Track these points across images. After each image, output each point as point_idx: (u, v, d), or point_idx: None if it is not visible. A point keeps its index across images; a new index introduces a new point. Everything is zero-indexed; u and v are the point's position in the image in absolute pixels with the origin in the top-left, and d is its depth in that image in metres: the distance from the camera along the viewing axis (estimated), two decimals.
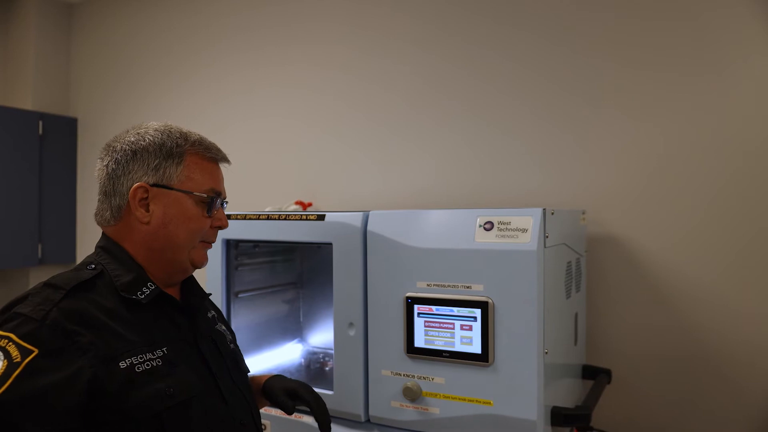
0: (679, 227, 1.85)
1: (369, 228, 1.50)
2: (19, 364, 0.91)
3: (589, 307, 1.92)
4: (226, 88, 2.83)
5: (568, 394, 1.63)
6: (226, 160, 1.21)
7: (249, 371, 1.32)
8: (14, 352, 0.93)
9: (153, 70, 3.14)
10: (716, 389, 1.79)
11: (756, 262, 1.75)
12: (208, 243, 1.19)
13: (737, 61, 1.77)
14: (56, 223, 3.33)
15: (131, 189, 1.10)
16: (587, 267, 1.90)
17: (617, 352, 1.91)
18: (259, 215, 1.69)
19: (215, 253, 1.74)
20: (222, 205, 1.19)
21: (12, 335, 0.94)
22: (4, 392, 0.89)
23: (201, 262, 1.17)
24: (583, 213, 1.83)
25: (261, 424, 1.26)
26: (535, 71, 2.08)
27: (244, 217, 1.71)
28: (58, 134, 3.36)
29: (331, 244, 1.55)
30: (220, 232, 1.25)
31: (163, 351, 1.05)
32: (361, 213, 1.52)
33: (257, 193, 2.63)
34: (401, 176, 2.32)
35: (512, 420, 1.33)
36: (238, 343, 1.34)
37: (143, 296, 1.07)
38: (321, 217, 1.57)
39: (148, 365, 1.02)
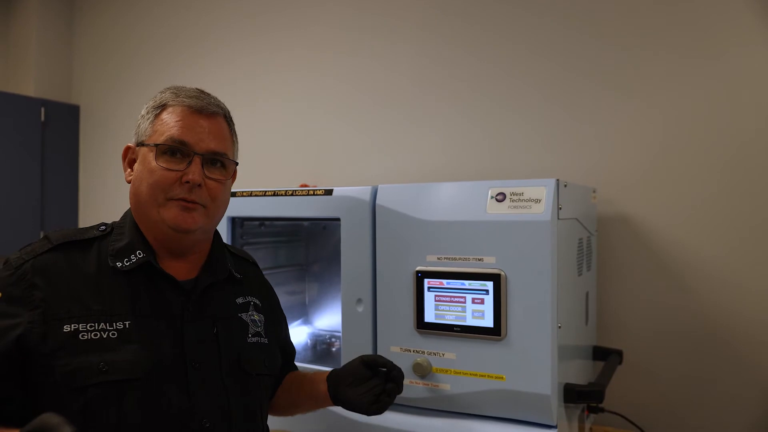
0: (690, 206, 1.82)
1: (378, 202, 1.47)
2: None
3: (599, 287, 1.89)
4: (229, 73, 2.81)
5: (580, 374, 1.60)
6: (202, 109, 1.09)
7: (265, 372, 1.18)
8: None
9: (156, 56, 3.12)
10: (729, 368, 1.76)
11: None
12: (182, 201, 1.05)
13: (741, 44, 1.75)
14: (58, 210, 3.31)
15: (123, 150, 1.14)
16: (597, 247, 1.87)
17: (628, 332, 1.88)
18: (265, 192, 1.66)
19: (220, 232, 1.71)
20: (196, 156, 1.06)
21: None
22: None
23: (175, 223, 1.05)
24: (594, 191, 1.81)
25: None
26: (541, 52, 2.05)
27: (250, 194, 1.68)
28: (61, 121, 3.33)
29: (338, 219, 1.52)
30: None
31: (124, 324, 1.00)
32: (370, 187, 1.49)
33: (262, 178, 2.59)
34: (407, 158, 2.30)
35: (525, 395, 1.30)
36: None
37: (124, 265, 1.04)
38: (329, 192, 1.54)
39: (96, 335, 0.97)
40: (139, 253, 1.05)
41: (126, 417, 0.96)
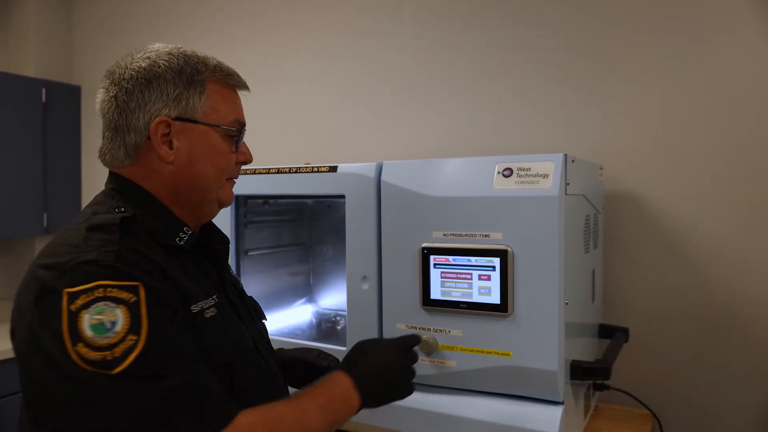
0: (697, 185, 1.80)
1: (383, 178, 1.45)
2: (138, 302, 0.81)
3: (605, 265, 1.88)
4: (234, 54, 2.77)
5: (586, 351, 1.59)
6: (246, 86, 1.10)
7: (266, 319, 1.25)
8: (123, 294, 0.80)
9: (158, 36, 3.08)
10: (736, 347, 1.75)
11: None
12: (234, 180, 1.09)
13: (746, 22, 1.72)
14: (61, 191, 3.30)
15: (153, 124, 0.95)
16: (604, 225, 1.85)
17: (634, 311, 1.87)
18: (269, 169, 1.65)
19: (224, 209, 1.70)
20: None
21: (102, 282, 0.80)
22: (148, 335, 0.79)
23: (229, 201, 1.08)
24: (601, 168, 1.78)
25: None
26: (545, 32, 2.01)
27: (254, 172, 1.67)
28: (62, 102, 3.31)
29: (343, 196, 1.50)
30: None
31: (214, 299, 0.97)
32: (375, 163, 1.48)
33: (267, 158, 2.57)
34: (412, 138, 2.27)
35: (532, 371, 1.29)
36: None
37: (183, 242, 0.97)
38: (333, 169, 1.53)
39: (212, 311, 0.95)
40: (187, 229, 0.99)
41: (250, 384, 0.99)
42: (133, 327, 0.79)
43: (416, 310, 1.41)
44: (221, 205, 1.07)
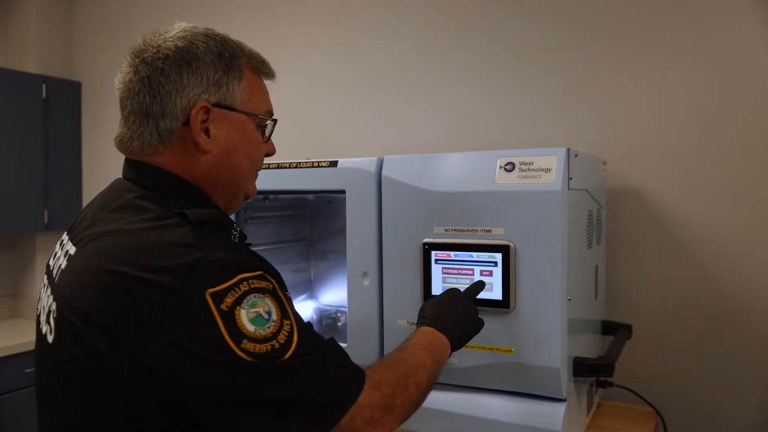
0: (701, 179, 1.78)
1: (384, 173, 1.43)
2: (274, 288, 0.82)
3: (608, 261, 1.86)
4: None
5: (589, 348, 1.58)
6: (274, 76, 1.04)
7: None
8: (262, 283, 0.80)
9: None
10: (740, 343, 1.74)
11: None
12: (257, 173, 1.05)
13: (748, 18, 1.70)
14: (62, 188, 3.29)
15: (194, 110, 0.88)
16: (607, 220, 1.84)
17: (637, 307, 1.86)
18: (269, 165, 1.63)
19: None
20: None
21: (242, 275, 0.78)
22: (294, 315, 0.82)
23: (254, 194, 1.03)
24: (604, 163, 1.77)
25: None
26: (547, 27, 2.00)
27: None
28: (63, 98, 3.30)
29: (344, 191, 1.49)
30: None
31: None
32: (375, 158, 1.46)
33: None
34: (414, 133, 2.26)
35: (534, 368, 1.28)
36: None
37: (236, 239, 0.91)
38: (333, 164, 1.51)
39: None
40: (236, 226, 0.95)
41: None
42: (283, 312, 0.80)
43: (417, 306, 1.37)
44: (246, 199, 1.03)
